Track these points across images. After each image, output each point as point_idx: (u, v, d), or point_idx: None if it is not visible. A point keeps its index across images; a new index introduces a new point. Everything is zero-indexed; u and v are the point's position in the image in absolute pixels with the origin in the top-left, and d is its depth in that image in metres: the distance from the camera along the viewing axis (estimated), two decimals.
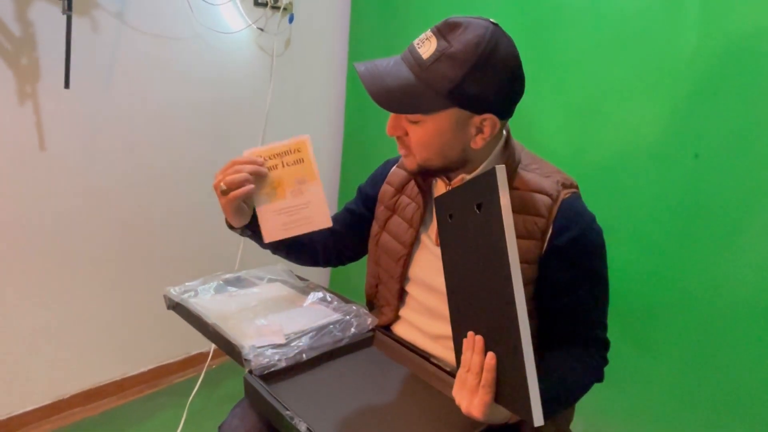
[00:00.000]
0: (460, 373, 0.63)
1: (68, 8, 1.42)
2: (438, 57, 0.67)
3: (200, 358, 2.03)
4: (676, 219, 1.45)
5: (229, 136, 2.00)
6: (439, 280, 0.82)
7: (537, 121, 1.69)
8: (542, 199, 0.75)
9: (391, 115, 0.76)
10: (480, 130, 0.73)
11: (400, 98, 0.69)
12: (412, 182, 0.91)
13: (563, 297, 0.76)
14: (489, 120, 0.72)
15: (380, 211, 0.97)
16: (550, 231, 0.75)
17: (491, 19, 0.72)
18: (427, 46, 0.69)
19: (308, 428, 0.63)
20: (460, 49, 0.67)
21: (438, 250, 0.83)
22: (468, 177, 0.80)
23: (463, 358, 0.63)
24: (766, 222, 1.31)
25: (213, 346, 2.01)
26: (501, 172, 0.58)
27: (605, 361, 0.84)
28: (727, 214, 1.36)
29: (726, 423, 1.37)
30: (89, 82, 1.59)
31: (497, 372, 0.59)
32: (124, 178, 1.72)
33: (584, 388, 0.79)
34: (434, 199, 0.74)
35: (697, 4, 1.38)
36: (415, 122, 0.73)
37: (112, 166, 1.69)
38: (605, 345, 0.85)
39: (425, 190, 0.88)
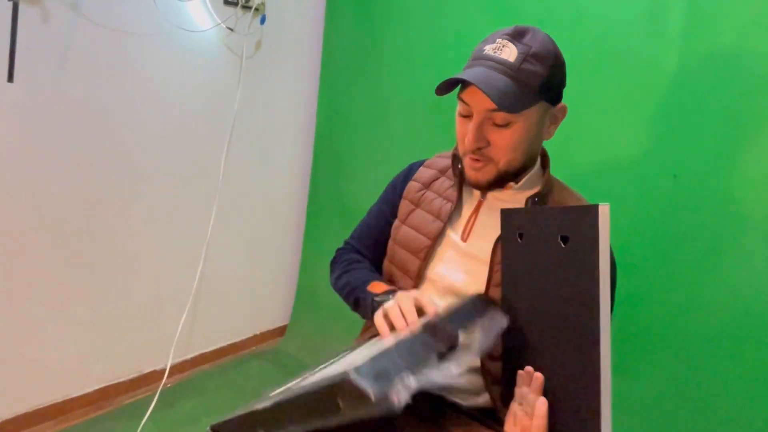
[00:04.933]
0: (512, 406, 0.63)
1: None
2: (524, 58, 0.72)
3: (155, 376, 1.89)
4: (654, 240, 1.43)
5: (193, 138, 1.89)
6: (463, 280, 0.80)
7: None
8: None
9: (474, 126, 0.75)
10: (554, 120, 0.80)
11: (512, 98, 0.71)
12: (441, 180, 0.90)
13: None
14: (563, 108, 0.80)
15: (403, 204, 0.92)
16: None
17: None
18: (507, 52, 0.72)
19: None
20: (541, 49, 0.73)
21: (465, 247, 0.82)
22: (515, 186, 0.81)
23: (517, 390, 0.63)
24: (744, 245, 1.30)
25: (170, 362, 1.88)
26: (604, 211, 0.54)
27: None
28: (706, 237, 1.35)
29: None
30: (36, 76, 1.46)
31: (562, 410, 0.58)
32: (72, 180, 1.59)
33: None
34: (501, 211, 0.75)
35: (679, 22, 1.37)
36: (504, 125, 0.74)
37: (59, 168, 1.55)
38: None
39: (460, 186, 0.86)
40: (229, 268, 2.12)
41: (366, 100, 2.11)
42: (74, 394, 1.70)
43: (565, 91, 1.57)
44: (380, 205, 0.99)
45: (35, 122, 1.48)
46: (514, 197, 0.82)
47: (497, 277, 0.75)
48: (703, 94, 1.34)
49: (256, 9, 1.97)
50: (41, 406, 1.61)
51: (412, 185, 0.92)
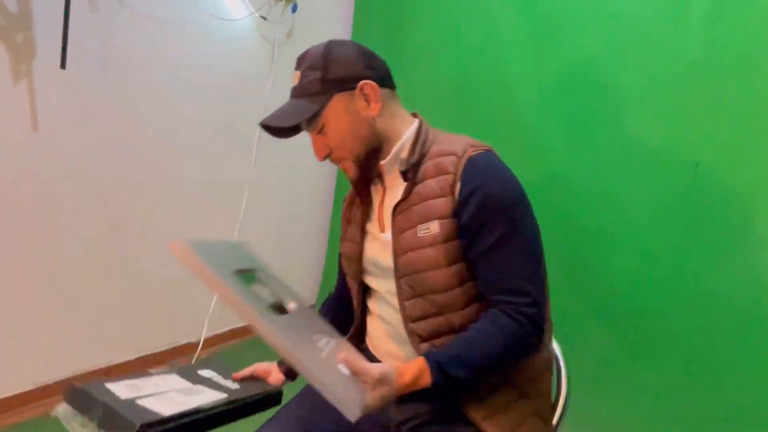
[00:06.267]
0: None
1: None
2: (303, 75, 0.87)
3: (189, 348, 2.01)
4: (674, 227, 1.45)
5: (227, 123, 1.97)
6: (388, 261, 0.87)
7: (537, 122, 1.68)
8: (450, 159, 0.83)
9: (312, 144, 0.88)
10: (366, 99, 0.84)
11: (294, 112, 0.85)
12: None
13: (479, 245, 0.80)
14: (366, 85, 0.84)
15: (342, 224, 1.03)
16: (458, 186, 0.80)
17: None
18: (295, 79, 0.88)
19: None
20: (311, 59, 0.86)
21: (382, 236, 0.89)
22: (383, 162, 0.87)
23: None
24: (764, 234, 1.31)
25: (203, 335, 1.99)
26: None
27: (532, 324, 0.76)
28: (725, 225, 1.37)
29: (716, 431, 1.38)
30: (86, 64, 1.56)
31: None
32: (116, 160, 1.69)
33: (500, 351, 0.75)
34: None
35: (701, 13, 1.38)
36: (321, 131, 0.86)
37: (105, 151, 1.65)
38: (530, 298, 0.77)
39: (362, 191, 0.94)
40: (259, 248, 2.21)
41: None
42: (117, 361, 1.82)
43: (586, 79, 1.60)
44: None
45: (84, 105, 1.58)
46: (396, 173, 0.87)
47: (402, 242, 0.83)
48: (726, 82, 1.35)
49: None
50: (88, 370, 1.74)
51: (345, 206, 1.03)
